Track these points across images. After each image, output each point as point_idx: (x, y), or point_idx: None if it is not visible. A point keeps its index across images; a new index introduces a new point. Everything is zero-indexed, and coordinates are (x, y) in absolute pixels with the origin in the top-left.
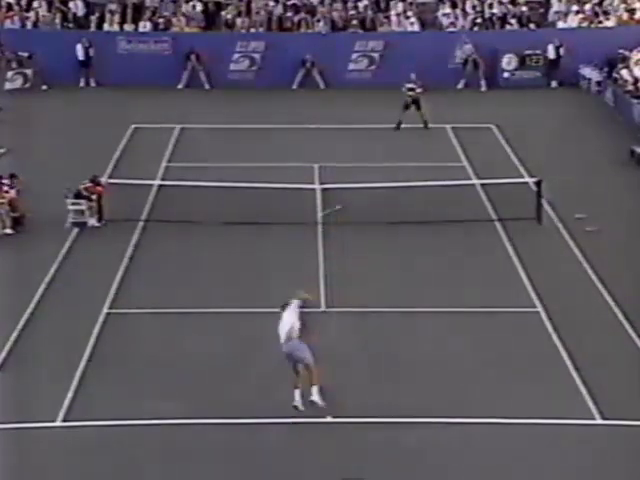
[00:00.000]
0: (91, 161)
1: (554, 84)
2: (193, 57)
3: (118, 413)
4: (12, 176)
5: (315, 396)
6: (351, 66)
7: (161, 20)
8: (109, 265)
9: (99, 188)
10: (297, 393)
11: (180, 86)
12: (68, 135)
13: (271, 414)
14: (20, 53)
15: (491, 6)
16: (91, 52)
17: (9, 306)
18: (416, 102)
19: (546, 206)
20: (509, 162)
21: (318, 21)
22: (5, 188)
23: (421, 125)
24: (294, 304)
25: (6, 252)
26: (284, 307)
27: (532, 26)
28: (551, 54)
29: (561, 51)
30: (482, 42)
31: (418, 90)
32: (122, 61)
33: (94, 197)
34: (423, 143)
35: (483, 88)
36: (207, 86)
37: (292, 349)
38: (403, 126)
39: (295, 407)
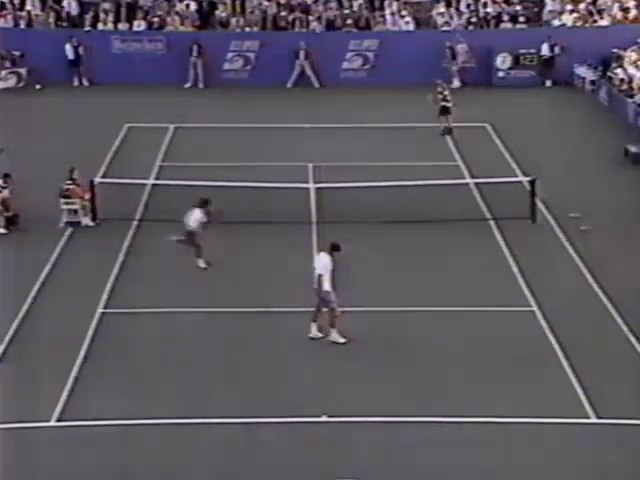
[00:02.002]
0: (85, 160)
1: (548, 83)
2: (195, 48)
3: (113, 413)
4: (6, 175)
5: (334, 336)
6: (345, 65)
7: (155, 19)
8: (103, 264)
9: (78, 189)
10: (314, 326)
11: (188, 85)
12: (62, 134)
13: (270, 414)
14: (13, 52)
15: (485, 5)
16: (80, 51)
17: (3, 306)
18: (448, 110)
19: (540, 205)
20: (503, 161)
21: (316, 19)
22: None
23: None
24: (327, 254)
25: (0, 252)
26: (334, 249)
27: (525, 22)
28: (545, 53)
29: (556, 50)
30: (476, 41)
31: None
32: (116, 60)
33: (83, 198)
34: (417, 142)
35: (456, 84)
36: (201, 85)
37: (326, 296)
38: (400, 125)
39: (312, 338)
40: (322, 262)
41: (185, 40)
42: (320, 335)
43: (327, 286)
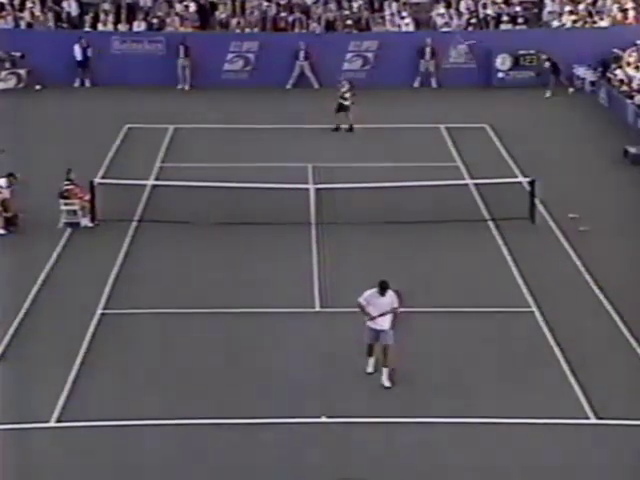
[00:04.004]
0: (85, 161)
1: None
2: (182, 49)
3: (113, 413)
4: (10, 175)
5: (385, 378)
6: (345, 66)
7: (155, 20)
8: (103, 265)
9: (77, 189)
10: (371, 361)
11: (186, 87)
12: (62, 135)
13: (269, 414)
14: (13, 53)
15: (485, 6)
16: (89, 52)
17: (2, 307)
18: (346, 108)
19: (539, 206)
20: (503, 162)
21: (316, 20)
22: None
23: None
24: (392, 292)
25: None
26: (383, 289)
27: (524, 23)
28: (546, 64)
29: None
30: (476, 42)
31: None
32: (116, 61)
33: (82, 199)
34: (417, 143)
35: (433, 85)
36: (187, 86)
37: (386, 334)
38: (399, 126)
39: (369, 373)
40: (366, 293)
41: (184, 41)
42: (371, 370)
43: (367, 317)
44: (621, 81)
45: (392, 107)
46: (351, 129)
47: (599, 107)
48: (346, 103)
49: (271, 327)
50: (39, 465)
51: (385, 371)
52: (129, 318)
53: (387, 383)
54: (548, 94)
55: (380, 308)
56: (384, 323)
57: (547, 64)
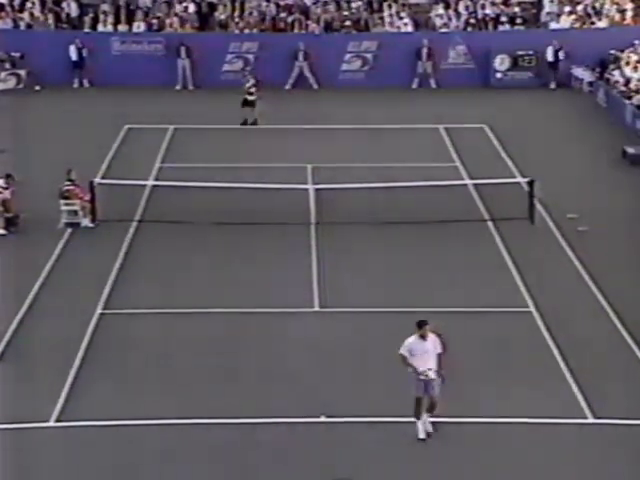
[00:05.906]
0: (85, 161)
1: (553, 85)
2: (183, 50)
3: (112, 413)
4: (8, 176)
5: (428, 424)
6: (344, 67)
7: (155, 21)
8: (103, 265)
9: (77, 189)
10: (420, 424)
11: (190, 87)
12: (62, 136)
13: (268, 414)
14: (13, 53)
15: (484, 7)
16: (84, 53)
17: (3, 306)
18: (252, 103)
19: (538, 206)
20: (501, 162)
21: (315, 21)
22: None
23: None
24: (433, 336)
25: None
26: (421, 327)
27: (523, 23)
28: (550, 56)
29: (560, 54)
30: (475, 42)
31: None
32: (116, 62)
33: (83, 199)
34: (416, 144)
35: (432, 85)
36: (190, 86)
37: (434, 384)
38: (399, 127)
39: (422, 440)
40: (406, 342)
41: (184, 41)
42: (423, 436)
43: (409, 368)
44: (619, 82)
45: (391, 107)
46: (255, 123)
47: (597, 107)
48: (251, 98)
49: (271, 327)
50: (39, 465)
51: (429, 418)
52: (129, 318)
53: (430, 429)
54: (553, 85)
55: (423, 356)
56: (430, 372)
57: (560, 53)
